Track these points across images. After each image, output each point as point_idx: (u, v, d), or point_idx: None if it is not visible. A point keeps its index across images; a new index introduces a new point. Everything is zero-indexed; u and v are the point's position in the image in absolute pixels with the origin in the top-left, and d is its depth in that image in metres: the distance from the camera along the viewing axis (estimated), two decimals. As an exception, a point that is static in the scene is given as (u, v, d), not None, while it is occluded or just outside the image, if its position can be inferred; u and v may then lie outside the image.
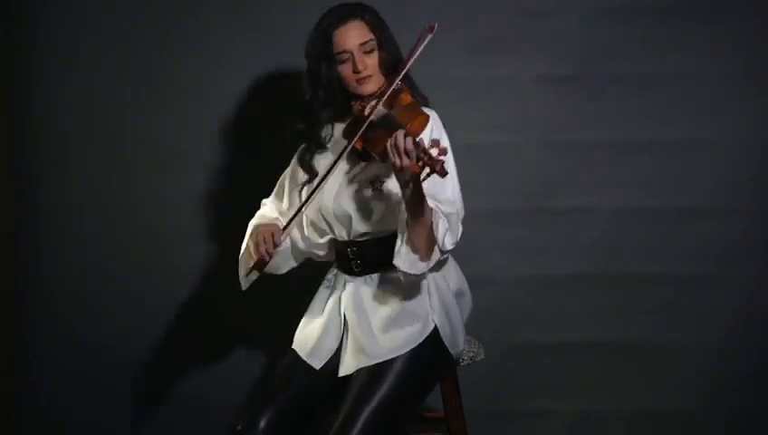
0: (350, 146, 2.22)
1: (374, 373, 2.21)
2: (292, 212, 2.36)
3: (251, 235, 2.39)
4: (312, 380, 2.32)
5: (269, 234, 2.29)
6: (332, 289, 2.41)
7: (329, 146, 2.39)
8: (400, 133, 2.03)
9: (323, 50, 2.29)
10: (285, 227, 2.32)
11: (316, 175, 2.37)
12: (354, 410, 2.15)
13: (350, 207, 2.29)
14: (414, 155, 2.01)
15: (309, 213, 2.38)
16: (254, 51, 3.07)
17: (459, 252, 2.32)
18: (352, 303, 2.32)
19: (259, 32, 3.07)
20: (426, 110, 2.24)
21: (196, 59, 3.09)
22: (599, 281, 3.09)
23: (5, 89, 3.13)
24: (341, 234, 2.34)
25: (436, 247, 2.14)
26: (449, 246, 2.17)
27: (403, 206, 2.15)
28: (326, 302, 2.41)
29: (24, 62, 3.12)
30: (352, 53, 2.27)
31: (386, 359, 2.22)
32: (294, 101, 2.94)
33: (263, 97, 3.08)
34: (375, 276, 2.33)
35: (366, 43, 2.28)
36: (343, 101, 2.35)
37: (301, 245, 2.43)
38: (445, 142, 2.25)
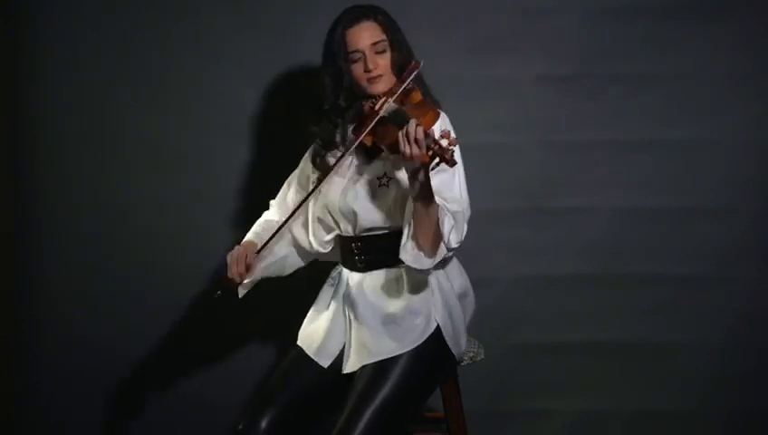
0: (360, 140, 2.23)
1: (377, 371, 2.22)
2: (302, 217, 2.40)
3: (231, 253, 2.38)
4: (316, 375, 2.33)
5: (243, 255, 2.31)
6: (336, 286, 2.42)
7: (340, 146, 2.40)
8: (413, 122, 2.05)
9: (338, 50, 2.31)
10: (266, 245, 2.33)
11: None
12: (357, 408, 2.16)
13: (355, 202, 2.30)
14: (424, 144, 2.03)
15: (316, 209, 2.40)
16: (254, 51, 3.07)
17: (460, 252, 2.33)
18: (356, 299, 2.33)
19: (259, 32, 3.07)
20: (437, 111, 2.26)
21: (196, 59, 3.09)
22: (599, 281, 3.09)
23: (5, 89, 3.13)
24: (347, 229, 2.35)
25: (441, 244, 2.15)
26: (454, 243, 2.18)
27: (410, 200, 2.16)
28: (330, 299, 2.42)
29: (23, 62, 3.12)
30: (364, 53, 2.29)
31: (388, 356, 2.23)
32: (293, 101, 2.94)
33: (263, 97, 3.08)
34: (378, 273, 2.34)
35: (378, 43, 2.30)
36: (355, 101, 2.36)
37: (306, 246, 2.45)
38: (456, 155, 2.27)
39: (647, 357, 3.10)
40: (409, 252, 2.17)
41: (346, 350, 2.33)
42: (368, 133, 2.22)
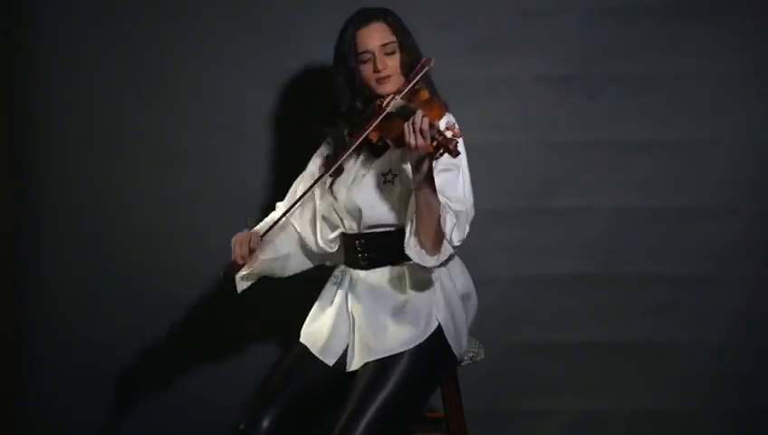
0: (367, 134, 2.24)
1: (379, 369, 2.22)
2: (308, 214, 2.42)
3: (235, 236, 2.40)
4: (320, 373, 2.33)
5: (247, 238, 2.32)
6: (339, 284, 2.43)
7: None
8: (419, 113, 2.08)
9: (348, 51, 2.34)
10: (271, 229, 2.34)
11: (340, 173, 2.40)
12: (359, 406, 2.16)
13: (360, 198, 2.31)
14: (429, 135, 2.05)
15: (322, 208, 2.42)
16: (254, 51, 3.07)
17: (460, 252, 2.33)
18: (358, 297, 2.34)
19: (259, 32, 3.07)
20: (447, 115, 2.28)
21: (196, 59, 3.09)
22: (599, 281, 3.09)
23: (5, 89, 3.13)
24: (351, 226, 2.37)
25: (444, 242, 2.16)
26: (457, 241, 2.19)
27: (413, 197, 2.16)
28: (334, 296, 2.43)
29: (23, 62, 3.12)
30: (374, 54, 2.33)
31: (390, 354, 2.23)
32: (293, 101, 2.95)
33: (263, 97, 3.08)
34: (381, 270, 2.34)
35: (387, 44, 2.34)
36: (370, 103, 2.38)
37: (312, 245, 2.46)
38: (460, 147, 2.29)
39: (647, 357, 3.10)
40: (413, 248, 2.18)
41: (350, 348, 2.33)
42: (374, 129, 2.24)
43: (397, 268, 2.33)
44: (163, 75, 3.10)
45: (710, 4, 3.01)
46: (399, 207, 2.29)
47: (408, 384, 2.22)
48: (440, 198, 2.16)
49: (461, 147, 2.20)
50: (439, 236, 2.16)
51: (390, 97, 2.27)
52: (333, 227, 2.42)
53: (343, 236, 2.42)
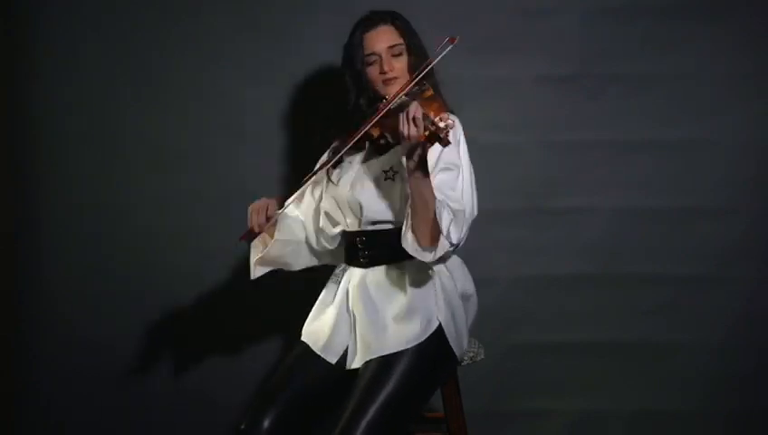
0: (367, 129, 2.25)
1: (381, 368, 2.22)
2: (311, 212, 2.45)
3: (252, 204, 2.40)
4: (322, 372, 2.33)
5: (264, 205, 2.33)
6: (340, 283, 2.43)
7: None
8: (413, 104, 2.10)
9: (356, 53, 2.37)
10: (288, 203, 2.36)
11: (341, 162, 2.42)
12: (360, 405, 2.16)
13: (362, 194, 2.32)
14: (422, 124, 2.06)
15: (325, 204, 2.43)
16: (254, 51, 3.07)
17: (460, 252, 2.33)
18: (359, 296, 2.34)
19: (259, 32, 3.07)
20: (450, 115, 2.27)
21: (196, 59, 3.09)
22: (599, 281, 3.09)
23: (5, 89, 3.13)
24: (353, 223, 2.37)
25: (441, 238, 2.16)
26: (454, 238, 2.18)
27: (408, 188, 2.17)
28: (335, 295, 2.43)
29: (23, 62, 3.12)
30: (380, 56, 2.35)
31: (391, 352, 2.23)
32: (293, 101, 2.94)
33: (263, 97, 3.07)
34: (382, 268, 2.35)
35: (395, 46, 2.37)
36: (370, 101, 2.40)
37: (313, 241, 2.48)
38: (463, 149, 2.32)
39: (647, 357, 3.10)
40: (410, 242, 2.19)
41: (351, 346, 2.33)
42: (376, 125, 2.25)
43: (397, 267, 2.33)
44: (163, 75, 3.10)
45: (710, 4, 3.01)
46: (400, 204, 2.29)
47: (410, 382, 2.22)
48: (438, 195, 2.17)
49: (464, 151, 2.21)
50: (435, 229, 2.16)
51: (395, 94, 2.28)
52: (335, 223, 2.43)
53: (345, 234, 2.42)
